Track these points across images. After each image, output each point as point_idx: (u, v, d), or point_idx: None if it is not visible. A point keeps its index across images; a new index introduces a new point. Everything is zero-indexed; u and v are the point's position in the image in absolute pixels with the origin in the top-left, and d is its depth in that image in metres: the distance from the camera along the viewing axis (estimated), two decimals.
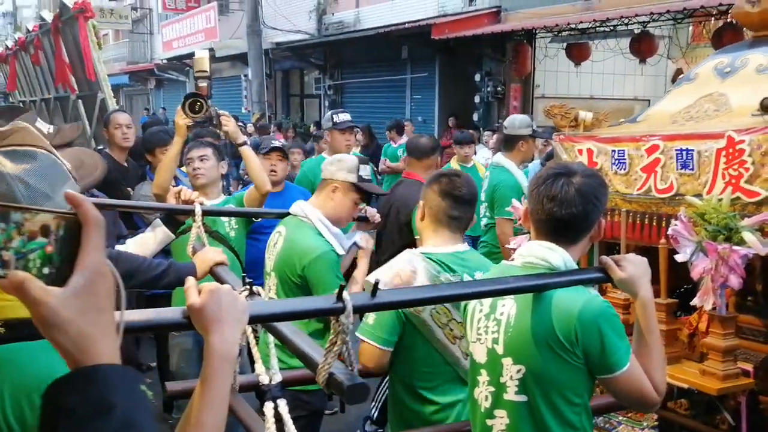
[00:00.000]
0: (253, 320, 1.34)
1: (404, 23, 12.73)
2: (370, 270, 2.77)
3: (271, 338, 1.70)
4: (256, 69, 16.60)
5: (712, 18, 9.65)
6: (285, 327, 1.54)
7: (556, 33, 10.85)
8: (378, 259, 4.28)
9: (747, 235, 2.34)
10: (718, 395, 2.49)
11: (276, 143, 4.59)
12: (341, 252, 2.96)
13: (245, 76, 18.24)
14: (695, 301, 2.50)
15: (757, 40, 3.10)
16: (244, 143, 3.68)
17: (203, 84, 3.42)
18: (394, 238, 4.09)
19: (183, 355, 3.72)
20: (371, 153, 10.32)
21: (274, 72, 18.79)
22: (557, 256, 1.83)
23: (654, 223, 2.87)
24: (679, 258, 2.52)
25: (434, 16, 12.63)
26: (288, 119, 17.51)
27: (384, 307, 1.62)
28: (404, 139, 10.77)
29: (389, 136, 9.96)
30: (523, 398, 1.85)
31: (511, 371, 1.84)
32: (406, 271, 2.36)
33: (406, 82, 13.86)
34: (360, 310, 1.46)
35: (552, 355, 1.76)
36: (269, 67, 17.97)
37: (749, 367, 2.65)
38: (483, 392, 1.95)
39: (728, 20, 8.93)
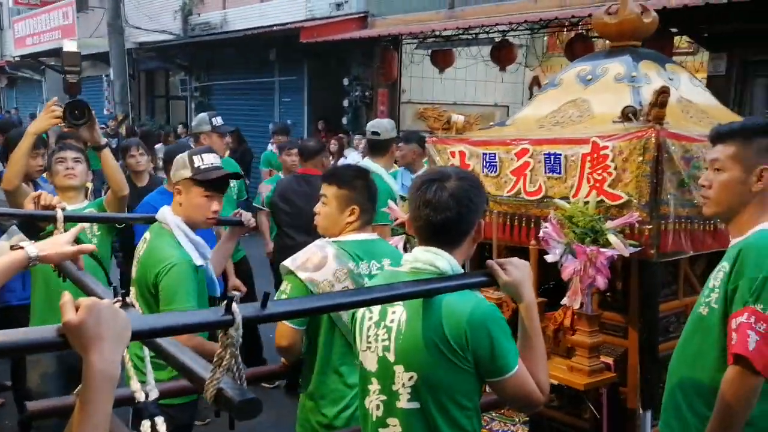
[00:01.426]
0: (135, 336, 1.24)
1: (272, 26, 12.54)
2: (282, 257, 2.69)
3: (146, 352, 1.59)
4: (119, 69, 15.79)
5: (565, 29, 10.23)
6: (164, 340, 1.45)
7: (421, 39, 11.08)
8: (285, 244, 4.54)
9: (612, 238, 2.45)
10: (584, 389, 2.59)
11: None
12: (199, 262, 2.80)
13: (107, 76, 17.32)
14: (565, 301, 2.59)
15: (615, 49, 3.28)
16: (106, 145, 3.56)
17: (74, 79, 3.15)
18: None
19: (42, 372, 3.43)
20: (239, 157, 10.06)
21: (137, 72, 17.99)
22: (443, 261, 1.83)
23: (524, 225, 2.96)
24: (549, 259, 2.60)
25: (303, 19, 12.53)
26: (153, 121, 16.76)
27: (275, 317, 1.54)
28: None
29: (275, 140, 9.48)
30: (415, 405, 1.83)
31: (403, 378, 1.82)
32: (318, 255, 2.50)
33: (275, 85, 13.65)
34: (250, 322, 1.37)
35: (443, 360, 1.76)
36: (132, 67, 17.16)
37: (610, 360, 2.79)
38: (374, 401, 1.92)
39: (579, 31, 9.53)
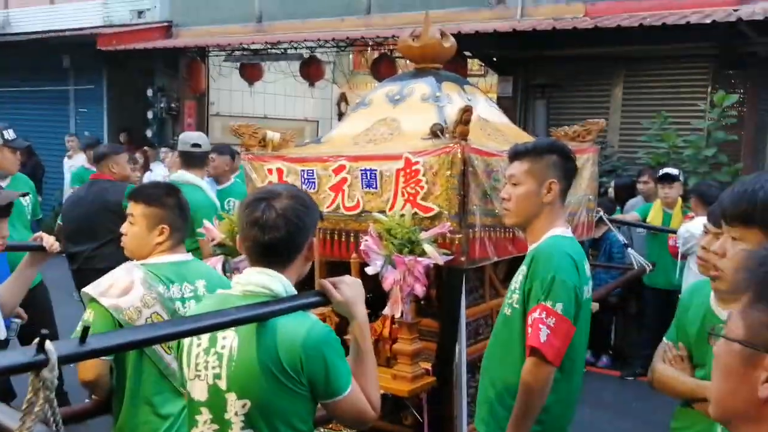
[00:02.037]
0: None
1: (64, 30, 11.64)
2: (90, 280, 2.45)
3: None
4: None
5: (369, 48, 10.62)
6: None
7: (229, 52, 10.91)
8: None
9: (428, 247, 2.60)
10: (408, 396, 2.71)
11: None
12: None
13: None
14: (386, 311, 2.69)
15: (420, 71, 3.49)
16: None
17: None
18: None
19: None
20: (29, 171, 9.17)
21: None
22: (276, 282, 1.79)
23: (343, 239, 3.04)
24: (370, 271, 2.69)
25: (99, 25, 11.78)
26: None
27: (96, 353, 1.38)
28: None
29: (89, 155, 8.64)
30: None
31: (236, 407, 1.76)
32: (124, 280, 2.35)
33: (70, 93, 12.65)
34: (67, 361, 1.25)
35: (278, 385, 1.72)
36: None
37: (428, 365, 2.94)
38: (205, 431, 1.83)
39: (383, 51, 9.96)
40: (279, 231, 1.78)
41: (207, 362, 1.80)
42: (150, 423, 2.35)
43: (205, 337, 1.81)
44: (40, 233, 2.84)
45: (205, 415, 1.82)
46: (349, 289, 1.83)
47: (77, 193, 4.97)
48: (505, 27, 7.85)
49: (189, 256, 2.57)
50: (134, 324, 2.26)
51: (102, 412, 2.41)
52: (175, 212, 2.52)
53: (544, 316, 2.21)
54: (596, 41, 7.56)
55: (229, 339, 1.78)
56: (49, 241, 2.76)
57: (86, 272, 4.20)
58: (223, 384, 1.78)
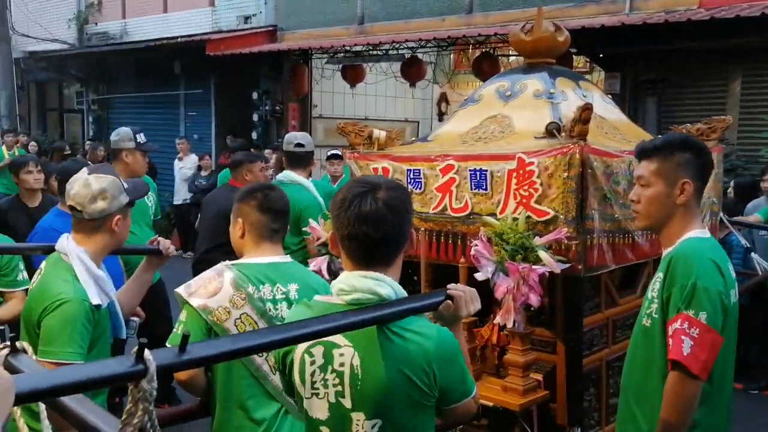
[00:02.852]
0: (24, 399, 1.03)
1: (176, 38, 12.14)
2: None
3: (42, 407, 1.37)
4: (5, 79, 14.88)
5: (471, 47, 10.45)
6: None
7: (331, 54, 11.03)
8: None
9: (543, 254, 2.44)
10: (519, 409, 2.56)
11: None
12: (96, 301, 2.39)
13: None
14: (497, 320, 2.55)
15: (531, 66, 3.32)
16: None
17: None
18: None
19: None
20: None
21: (26, 83, 16.89)
22: (386, 287, 1.66)
23: (450, 242, 2.91)
24: (480, 277, 2.56)
25: (209, 32, 12.21)
26: (45, 135, 15.79)
27: (195, 363, 1.34)
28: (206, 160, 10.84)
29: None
30: None
31: (365, 427, 1.66)
32: (215, 281, 2.29)
33: (180, 98, 13.20)
34: (166, 370, 1.20)
35: (409, 401, 1.63)
36: (21, 78, 16.12)
37: (539, 377, 2.78)
38: None
39: (485, 49, 9.76)
40: (389, 224, 1.65)
41: (326, 380, 1.70)
42: (244, 428, 2.29)
43: (318, 354, 1.71)
44: (157, 237, 2.86)
45: None
46: (473, 306, 1.72)
47: (212, 195, 5.21)
48: (613, 21, 7.52)
49: (286, 258, 2.47)
50: (223, 324, 2.22)
51: (204, 414, 2.38)
52: (256, 211, 2.40)
53: (686, 326, 2.02)
54: (711, 34, 7.09)
55: (347, 356, 1.67)
56: (165, 245, 2.75)
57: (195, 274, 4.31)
58: (347, 403, 1.68)
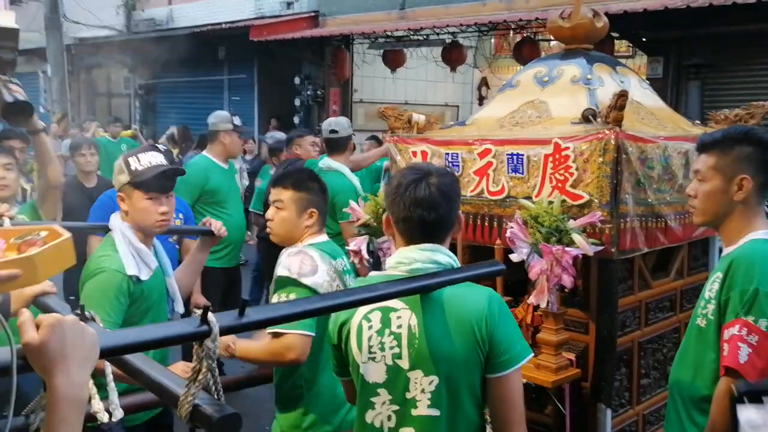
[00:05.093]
0: (104, 354, 1.16)
1: (220, 23, 12.36)
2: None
3: (109, 368, 1.49)
4: (57, 65, 15.26)
5: (512, 32, 10.40)
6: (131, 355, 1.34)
7: (372, 39, 11.11)
8: None
9: (576, 237, 2.51)
10: (551, 386, 2.65)
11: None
12: (133, 272, 2.50)
13: (43, 72, 16.69)
14: (532, 300, 2.63)
15: (569, 52, 3.36)
16: (43, 130, 3.19)
17: (10, 56, 2.58)
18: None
19: None
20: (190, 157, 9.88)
21: (77, 69, 17.39)
22: (443, 256, 1.81)
23: (487, 224, 3.00)
24: (515, 258, 2.64)
25: (252, 17, 12.39)
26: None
27: (255, 325, 1.45)
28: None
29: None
30: (435, 412, 1.77)
31: (423, 384, 1.76)
32: (308, 259, 2.44)
33: (224, 83, 13.47)
34: (228, 332, 1.32)
35: (466, 357, 1.73)
36: (72, 63, 16.59)
37: (572, 356, 2.85)
38: (383, 413, 1.82)
39: (526, 34, 9.72)
40: (442, 208, 1.82)
41: (383, 343, 1.80)
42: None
43: (376, 319, 1.82)
44: (208, 218, 2.97)
45: (383, 396, 1.82)
46: None
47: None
48: (656, 5, 7.41)
49: (326, 237, 2.69)
50: (318, 290, 2.40)
51: (257, 382, 2.53)
52: (320, 196, 2.62)
53: (744, 333, 1.95)
54: (756, 17, 6.95)
55: (404, 318, 1.79)
56: (217, 226, 2.84)
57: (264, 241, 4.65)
58: (405, 363, 1.78)
